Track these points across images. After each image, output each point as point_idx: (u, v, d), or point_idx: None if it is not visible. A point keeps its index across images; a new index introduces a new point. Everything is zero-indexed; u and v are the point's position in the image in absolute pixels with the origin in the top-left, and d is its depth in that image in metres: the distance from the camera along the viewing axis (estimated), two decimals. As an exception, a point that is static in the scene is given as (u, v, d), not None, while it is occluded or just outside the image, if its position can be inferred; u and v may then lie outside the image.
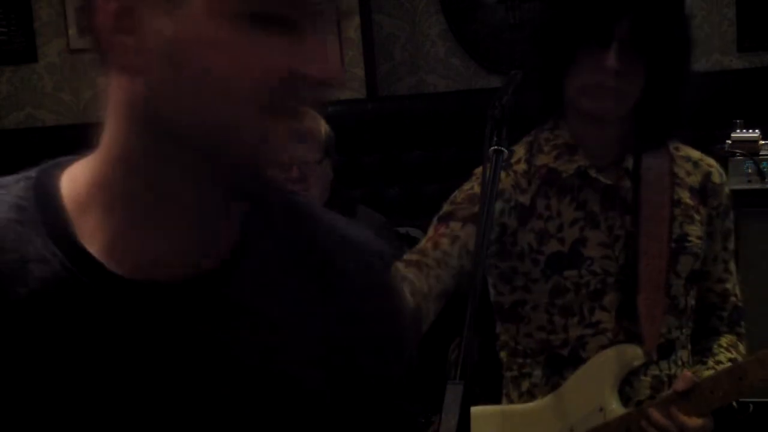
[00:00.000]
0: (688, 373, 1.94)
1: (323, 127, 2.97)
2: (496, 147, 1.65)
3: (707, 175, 2.08)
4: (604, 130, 2.02)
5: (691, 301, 2.06)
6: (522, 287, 2.05)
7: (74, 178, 0.92)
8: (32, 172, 0.93)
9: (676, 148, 2.09)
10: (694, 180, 2.06)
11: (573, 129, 2.05)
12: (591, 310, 2.01)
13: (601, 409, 1.97)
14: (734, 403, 1.98)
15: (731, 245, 2.12)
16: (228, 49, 0.83)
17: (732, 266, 2.12)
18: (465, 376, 1.51)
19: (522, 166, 2.08)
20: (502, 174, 2.02)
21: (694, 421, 1.87)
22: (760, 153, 3.42)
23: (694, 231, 2.03)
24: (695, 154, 2.10)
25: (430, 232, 2.09)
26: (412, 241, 4.21)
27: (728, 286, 2.11)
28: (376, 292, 0.98)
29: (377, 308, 0.97)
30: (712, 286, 2.10)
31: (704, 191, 2.06)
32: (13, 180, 0.92)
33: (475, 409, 2.08)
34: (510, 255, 2.05)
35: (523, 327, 2.07)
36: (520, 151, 2.10)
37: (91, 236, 0.87)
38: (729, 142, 3.43)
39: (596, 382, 1.99)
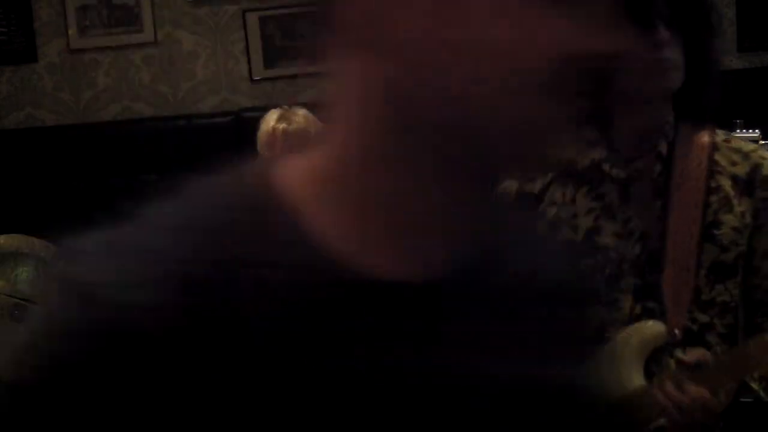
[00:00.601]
0: (699, 349, 1.95)
1: (315, 127, 2.95)
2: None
3: (757, 167, 2.05)
4: (647, 114, 2.05)
5: (720, 297, 2.04)
6: None
7: (297, 175, 0.80)
8: (242, 169, 0.82)
9: (727, 140, 2.09)
10: (741, 170, 2.05)
11: (607, 122, 2.07)
12: (608, 292, 2.04)
13: (620, 383, 1.99)
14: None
15: None
16: (514, 17, 0.71)
17: None
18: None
19: None
20: None
21: (707, 395, 1.88)
22: (760, 153, 3.43)
23: (730, 221, 2.03)
24: (748, 146, 2.10)
25: None
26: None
27: None
28: (585, 310, 0.92)
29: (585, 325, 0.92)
30: (760, 282, 2.08)
31: (751, 182, 2.04)
32: (223, 179, 0.82)
33: None
34: None
35: None
36: None
37: (330, 237, 0.77)
38: (729, 142, 3.44)
39: (618, 357, 2.01)
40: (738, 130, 3.49)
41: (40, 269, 2.98)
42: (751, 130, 3.48)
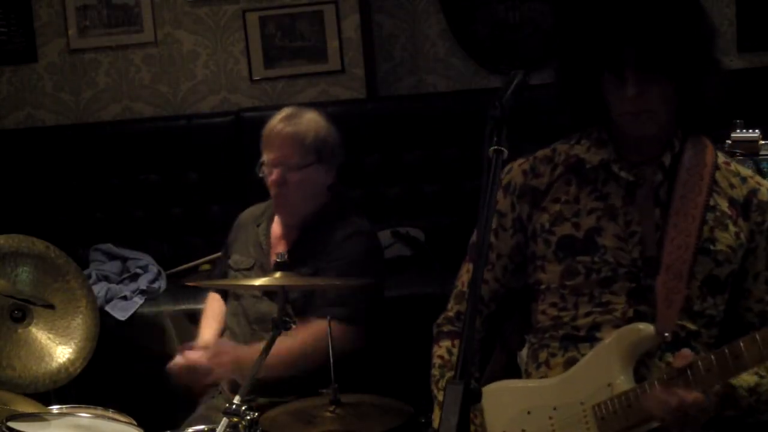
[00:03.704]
0: (685, 350, 1.96)
1: (316, 131, 2.90)
2: (496, 147, 1.67)
3: (754, 191, 2.09)
4: (645, 139, 2.07)
5: (711, 311, 2.06)
6: (540, 267, 2.14)
7: None
8: None
9: (727, 163, 2.12)
10: (738, 193, 2.08)
11: (613, 130, 2.09)
12: (601, 294, 2.05)
13: (609, 385, 2.01)
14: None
15: None
16: None
17: None
18: (465, 376, 1.51)
19: (546, 152, 2.19)
20: (515, 164, 2.17)
21: (693, 395, 1.89)
22: (760, 153, 3.42)
23: (725, 239, 2.05)
24: (746, 171, 2.14)
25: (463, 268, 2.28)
26: (412, 241, 4.22)
27: None
28: None
29: None
30: (751, 306, 2.10)
31: (748, 206, 2.08)
32: None
33: (493, 384, 2.14)
34: (527, 239, 2.15)
35: (539, 305, 2.15)
36: (560, 146, 2.19)
37: None
38: (729, 142, 3.43)
39: (607, 359, 2.03)
40: (738, 130, 3.48)
41: (40, 269, 2.98)
42: (751, 130, 3.47)
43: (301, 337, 2.66)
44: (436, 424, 2.16)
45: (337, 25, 4.62)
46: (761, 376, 2.02)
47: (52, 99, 4.80)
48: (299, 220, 2.92)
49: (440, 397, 2.17)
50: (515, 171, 2.17)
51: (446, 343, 2.22)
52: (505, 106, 1.70)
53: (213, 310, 3.09)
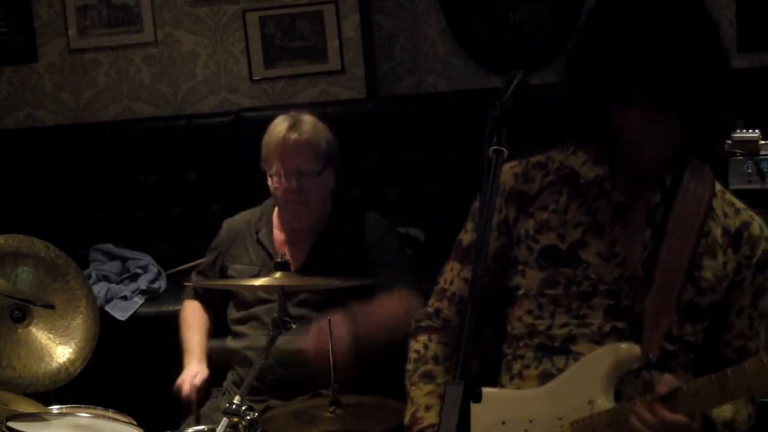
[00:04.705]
0: (669, 376, 1.94)
1: (325, 136, 2.93)
2: (496, 147, 1.66)
3: (746, 224, 2.07)
4: (647, 163, 2.05)
5: (689, 337, 2.04)
6: (520, 272, 2.12)
7: None
8: None
9: (723, 192, 2.10)
10: (731, 223, 2.07)
11: (614, 147, 2.06)
12: (579, 307, 2.04)
13: (589, 402, 1.99)
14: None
15: (764, 305, 2.08)
16: None
17: (760, 327, 2.08)
18: (465, 376, 1.51)
19: (539, 159, 2.16)
20: (506, 166, 2.13)
21: (678, 418, 1.88)
22: (760, 153, 3.42)
23: (712, 267, 2.03)
24: (740, 203, 2.12)
25: (446, 266, 2.29)
26: (412, 241, 4.22)
27: (749, 344, 2.07)
28: None
29: None
30: (731, 340, 2.08)
31: (739, 238, 2.06)
32: None
33: None
34: (511, 243, 2.13)
35: (516, 310, 2.14)
36: (555, 154, 2.16)
37: None
38: (729, 142, 3.43)
39: (589, 377, 2.01)
40: (738, 130, 3.48)
41: (40, 269, 2.98)
42: (751, 130, 3.48)
43: (391, 307, 2.78)
44: (406, 420, 2.16)
45: (337, 25, 4.62)
46: (734, 412, 2.01)
47: (52, 99, 4.80)
48: (311, 225, 2.93)
49: (412, 393, 2.17)
50: (506, 173, 2.13)
51: (423, 338, 2.22)
52: (505, 106, 1.70)
53: (195, 319, 3.06)
